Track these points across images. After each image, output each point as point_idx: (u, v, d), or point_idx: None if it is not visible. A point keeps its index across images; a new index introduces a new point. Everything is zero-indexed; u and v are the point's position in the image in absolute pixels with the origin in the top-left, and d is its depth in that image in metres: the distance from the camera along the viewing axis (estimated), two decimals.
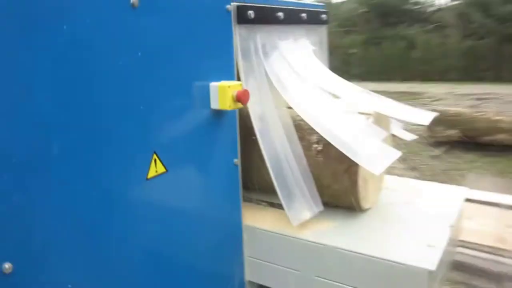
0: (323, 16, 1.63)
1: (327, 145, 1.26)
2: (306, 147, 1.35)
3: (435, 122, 5.41)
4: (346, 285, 1.19)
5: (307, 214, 1.28)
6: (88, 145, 0.82)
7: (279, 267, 1.31)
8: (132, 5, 0.89)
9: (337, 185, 1.33)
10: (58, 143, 0.77)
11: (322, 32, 1.66)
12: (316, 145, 1.33)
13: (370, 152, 1.15)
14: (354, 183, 1.30)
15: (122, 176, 0.91)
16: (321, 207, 1.33)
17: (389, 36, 13.62)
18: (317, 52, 1.56)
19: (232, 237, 1.32)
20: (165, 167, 1.00)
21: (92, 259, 0.86)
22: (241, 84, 1.14)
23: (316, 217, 1.31)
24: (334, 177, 1.32)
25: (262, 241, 1.32)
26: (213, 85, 1.11)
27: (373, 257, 1.13)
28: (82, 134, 0.81)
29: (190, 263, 1.15)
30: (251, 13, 1.23)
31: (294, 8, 1.45)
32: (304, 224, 1.29)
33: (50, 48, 0.74)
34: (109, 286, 0.90)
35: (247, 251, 1.36)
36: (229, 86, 1.10)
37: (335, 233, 1.26)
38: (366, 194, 1.37)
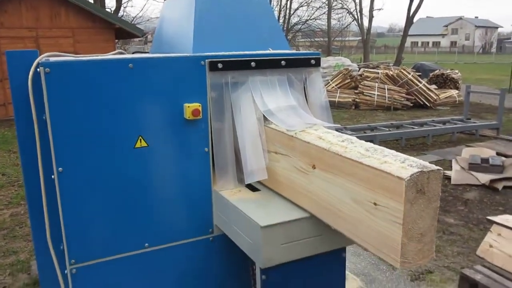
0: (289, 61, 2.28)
1: None
2: None
3: None
4: (239, 230, 1.96)
5: (229, 186, 2.10)
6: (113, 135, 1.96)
7: (222, 216, 2.16)
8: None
9: None
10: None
11: (301, 72, 2.33)
12: None
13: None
14: None
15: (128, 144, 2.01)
16: (242, 185, 2.13)
17: None
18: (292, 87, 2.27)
19: (206, 195, 2.23)
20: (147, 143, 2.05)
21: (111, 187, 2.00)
22: (197, 105, 2.05)
23: (260, 195, 2.13)
24: None
25: (218, 200, 2.19)
26: (184, 105, 2.08)
27: (246, 214, 1.88)
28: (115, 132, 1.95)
29: (178, 207, 2.15)
30: (220, 64, 2.12)
31: (256, 58, 2.20)
32: (239, 193, 2.10)
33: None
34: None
35: (214, 206, 2.25)
36: (188, 106, 2.05)
37: (245, 200, 2.03)
38: None
